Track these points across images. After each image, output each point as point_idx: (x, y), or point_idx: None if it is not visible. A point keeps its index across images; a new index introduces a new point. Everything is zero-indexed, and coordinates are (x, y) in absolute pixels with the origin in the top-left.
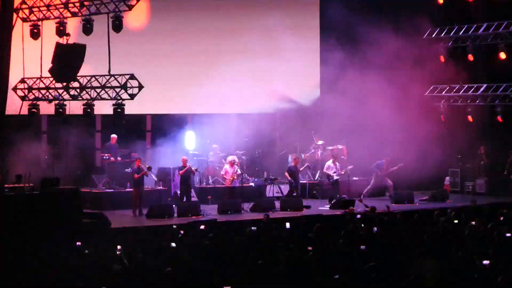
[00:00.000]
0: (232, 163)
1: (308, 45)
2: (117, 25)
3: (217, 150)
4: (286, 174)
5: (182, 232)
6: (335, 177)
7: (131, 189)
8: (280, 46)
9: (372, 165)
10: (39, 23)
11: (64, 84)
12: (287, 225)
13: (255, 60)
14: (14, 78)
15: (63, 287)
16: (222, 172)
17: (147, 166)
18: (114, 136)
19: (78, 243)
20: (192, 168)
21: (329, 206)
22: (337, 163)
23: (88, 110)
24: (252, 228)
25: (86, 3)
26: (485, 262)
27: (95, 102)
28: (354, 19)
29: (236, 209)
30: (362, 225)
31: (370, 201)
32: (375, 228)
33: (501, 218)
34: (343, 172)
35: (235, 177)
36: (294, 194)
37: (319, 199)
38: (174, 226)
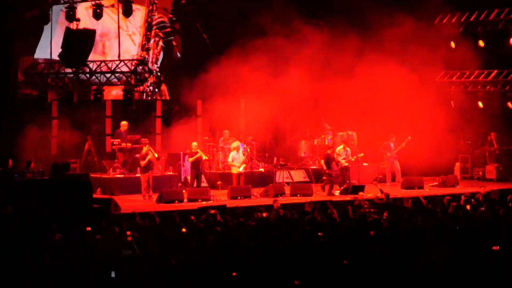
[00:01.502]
0: (238, 149)
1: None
2: (127, 10)
3: (227, 136)
4: (322, 162)
5: (192, 218)
6: (345, 164)
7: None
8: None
9: (380, 147)
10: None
11: (74, 69)
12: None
13: None
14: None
15: (73, 272)
16: (229, 159)
17: (156, 155)
18: (124, 122)
19: (88, 229)
20: (203, 157)
21: (339, 192)
22: (347, 149)
23: (98, 95)
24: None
25: None
26: (495, 247)
27: (105, 88)
28: (365, 2)
29: (245, 194)
30: (372, 210)
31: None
32: (385, 214)
33: (510, 205)
34: (353, 159)
35: (242, 166)
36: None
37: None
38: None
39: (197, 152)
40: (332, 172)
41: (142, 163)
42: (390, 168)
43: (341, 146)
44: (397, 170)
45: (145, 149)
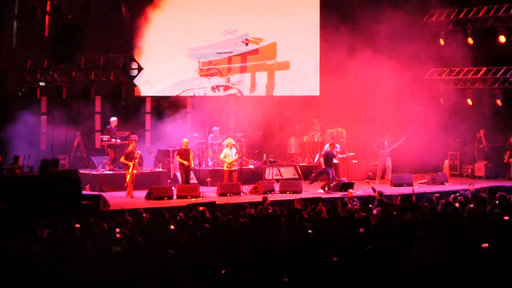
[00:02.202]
0: (231, 146)
1: (308, 25)
2: (116, 6)
3: (217, 133)
4: (322, 160)
5: (181, 214)
6: (334, 161)
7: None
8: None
9: (374, 145)
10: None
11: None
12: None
13: None
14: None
15: (62, 269)
16: (222, 156)
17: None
18: (114, 119)
19: (77, 225)
20: (191, 153)
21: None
22: (337, 146)
23: (87, 91)
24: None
25: None
26: (484, 245)
27: (94, 84)
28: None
29: (235, 191)
30: (361, 207)
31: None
32: (374, 211)
33: (499, 202)
34: (342, 156)
35: (235, 163)
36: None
37: (318, 182)
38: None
39: (188, 153)
40: (329, 169)
41: (122, 160)
42: (383, 166)
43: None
44: (389, 167)
45: (131, 146)
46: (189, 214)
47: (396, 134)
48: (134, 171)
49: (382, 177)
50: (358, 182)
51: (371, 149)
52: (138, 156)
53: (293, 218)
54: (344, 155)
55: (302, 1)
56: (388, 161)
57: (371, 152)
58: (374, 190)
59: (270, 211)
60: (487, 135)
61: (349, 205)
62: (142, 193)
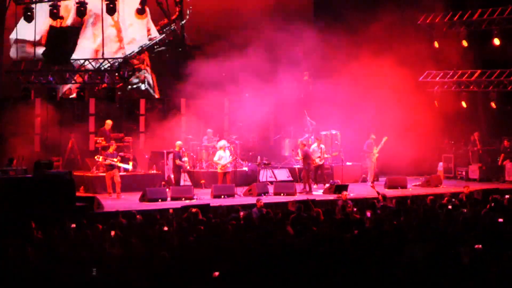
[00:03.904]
0: (224, 148)
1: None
2: (111, 8)
3: (211, 135)
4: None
5: (175, 216)
6: (319, 162)
7: (124, 173)
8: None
9: (364, 147)
10: (33, 5)
11: (58, 67)
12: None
13: None
14: (7, 60)
15: (56, 270)
16: (216, 158)
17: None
18: (109, 121)
19: (73, 225)
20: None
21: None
22: (322, 146)
23: (82, 93)
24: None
25: None
26: (477, 246)
27: (88, 85)
28: (347, 2)
29: (229, 193)
30: (355, 210)
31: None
32: (368, 213)
33: (493, 204)
34: (327, 156)
35: (229, 165)
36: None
37: (312, 183)
38: (170, 211)
39: (184, 154)
40: (308, 167)
41: (100, 160)
42: (373, 168)
43: (315, 144)
44: (375, 169)
45: (111, 148)
46: (182, 216)
47: (391, 136)
48: (119, 173)
49: (365, 180)
50: (352, 184)
51: (362, 151)
52: (117, 160)
53: (287, 220)
54: (328, 155)
55: (295, 3)
56: (375, 163)
57: (363, 154)
58: (378, 193)
59: (264, 212)
60: (481, 137)
61: (344, 208)
62: (136, 195)
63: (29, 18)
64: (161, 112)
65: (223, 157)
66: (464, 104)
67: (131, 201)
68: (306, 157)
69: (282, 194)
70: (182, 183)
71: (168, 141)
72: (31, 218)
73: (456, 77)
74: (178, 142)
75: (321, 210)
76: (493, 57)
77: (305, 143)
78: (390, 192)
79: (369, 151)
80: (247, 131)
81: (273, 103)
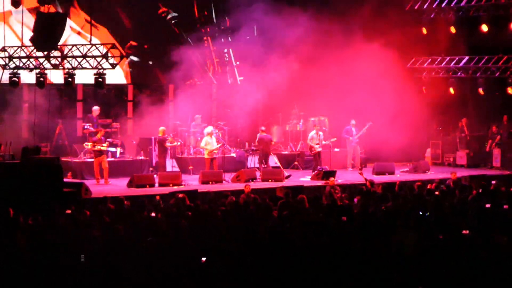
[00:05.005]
0: (211, 134)
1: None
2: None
3: (199, 120)
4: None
5: (161, 202)
6: (318, 149)
7: (112, 159)
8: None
9: (342, 132)
10: None
11: (45, 53)
12: None
13: None
14: None
15: (44, 256)
16: (203, 144)
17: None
18: (96, 108)
19: (68, 211)
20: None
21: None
22: (320, 133)
23: (69, 79)
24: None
25: None
26: (465, 232)
27: (76, 72)
28: None
29: (217, 179)
30: (343, 196)
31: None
32: (356, 200)
33: (480, 190)
34: (326, 143)
35: (216, 151)
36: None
37: (300, 170)
38: (157, 197)
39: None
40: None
41: (89, 146)
42: (352, 153)
43: (314, 131)
44: (358, 155)
45: (99, 134)
46: (171, 202)
47: (378, 122)
48: (107, 159)
49: (353, 166)
50: (340, 170)
51: (340, 137)
52: (106, 145)
53: (275, 206)
54: (327, 142)
55: None
56: (357, 149)
57: (342, 139)
58: (366, 180)
59: (251, 198)
60: (469, 124)
61: (332, 194)
62: (124, 181)
63: (17, 4)
64: (149, 98)
65: (209, 143)
66: (452, 90)
67: (119, 187)
68: (261, 141)
69: (270, 180)
70: (170, 169)
71: (156, 127)
72: (20, 204)
73: (444, 63)
74: (161, 128)
75: (305, 197)
76: (481, 43)
77: (264, 129)
78: (378, 178)
79: (347, 137)
80: (235, 117)
81: (261, 89)
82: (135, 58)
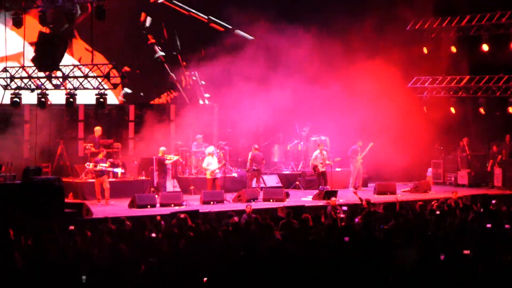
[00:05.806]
0: (213, 154)
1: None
2: (100, 13)
3: (200, 140)
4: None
5: (163, 222)
6: (322, 168)
7: (113, 179)
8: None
9: (348, 152)
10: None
11: (47, 73)
12: None
13: None
14: None
15: (44, 278)
16: (204, 164)
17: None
18: (98, 128)
19: (71, 227)
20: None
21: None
22: (324, 153)
23: (71, 99)
24: None
25: None
26: (466, 251)
27: (78, 92)
28: (337, 8)
29: (218, 199)
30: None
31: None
32: (357, 219)
33: (482, 210)
34: (329, 162)
35: (217, 171)
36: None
37: (301, 190)
38: (158, 217)
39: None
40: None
41: (90, 167)
42: (355, 173)
43: (318, 151)
44: (360, 175)
45: (101, 154)
46: (171, 222)
47: (379, 142)
48: (108, 180)
49: (356, 187)
50: (341, 190)
51: (346, 157)
52: (108, 166)
53: (276, 226)
54: (330, 161)
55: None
56: (361, 169)
57: (348, 159)
58: (361, 200)
59: (253, 219)
60: (470, 143)
61: (333, 214)
62: (125, 201)
63: (18, 24)
64: (150, 118)
65: (211, 163)
66: (453, 110)
67: (120, 207)
68: (253, 160)
69: (271, 200)
70: (171, 189)
71: (157, 148)
72: (21, 225)
73: (445, 82)
74: (162, 148)
75: (310, 216)
76: (482, 62)
77: (257, 147)
78: (379, 198)
79: (353, 157)
80: (236, 137)
81: (262, 109)
82: (129, 90)
